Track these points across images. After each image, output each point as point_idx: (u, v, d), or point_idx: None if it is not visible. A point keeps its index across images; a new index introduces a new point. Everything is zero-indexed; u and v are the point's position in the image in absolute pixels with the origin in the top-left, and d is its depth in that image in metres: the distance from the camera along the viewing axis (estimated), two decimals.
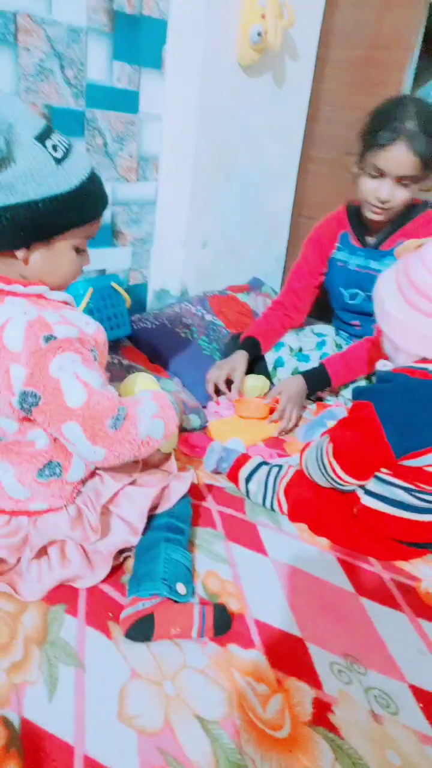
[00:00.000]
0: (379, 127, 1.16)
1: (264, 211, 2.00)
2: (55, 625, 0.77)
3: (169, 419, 0.80)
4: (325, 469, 0.92)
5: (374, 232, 1.36)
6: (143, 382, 1.08)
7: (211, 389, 1.39)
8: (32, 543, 0.80)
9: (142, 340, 1.54)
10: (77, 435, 0.72)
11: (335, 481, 0.92)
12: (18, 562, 0.82)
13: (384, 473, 0.90)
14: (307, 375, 1.38)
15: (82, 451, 0.75)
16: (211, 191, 1.75)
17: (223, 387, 1.38)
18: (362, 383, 1.37)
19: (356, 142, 1.25)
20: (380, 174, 1.19)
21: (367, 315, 1.39)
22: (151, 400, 0.80)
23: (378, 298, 0.88)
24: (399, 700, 0.74)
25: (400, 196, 1.21)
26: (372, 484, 0.93)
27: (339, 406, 1.41)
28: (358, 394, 0.92)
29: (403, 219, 1.30)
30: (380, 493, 0.92)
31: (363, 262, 1.37)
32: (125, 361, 1.42)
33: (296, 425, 1.37)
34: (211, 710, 0.69)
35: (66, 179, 0.69)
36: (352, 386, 1.40)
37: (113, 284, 1.45)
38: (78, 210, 0.72)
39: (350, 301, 1.43)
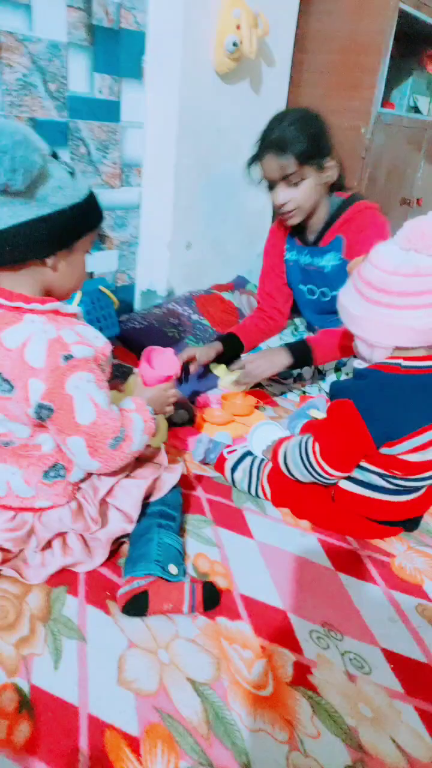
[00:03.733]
0: (257, 145, 1.28)
1: (245, 211, 2.07)
2: (57, 604, 0.84)
3: (150, 430, 0.89)
4: (312, 468, 0.97)
5: (311, 232, 1.41)
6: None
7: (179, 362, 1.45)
8: (39, 537, 0.87)
9: (131, 339, 1.61)
10: (80, 448, 0.81)
11: (322, 477, 0.97)
12: (20, 552, 0.89)
13: (362, 461, 0.97)
14: (290, 346, 1.39)
15: (80, 461, 0.84)
16: (193, 194, 1.82)
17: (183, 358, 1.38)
18: (333, 376, 1.45)
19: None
20: (271, 183, 1.29)
21: (330, 313, 1.44)
22: (138, 414, 0.88)
23: (343, 309, 0.95)
24: (372, 662, 0.82)
25: (295, 195, 1.28)
26: None
27: (320, 397, 1.49)
28: (337, 391, 0.98)
29: (334, 215, 1.35)
30: (356, 477, 0.99)
31: (308, 259, 1.43)
32: (115, 360, 1.49)
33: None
34: (202, 673, 0.77)
35: (80, 189, 0.77)
36: (329, 380, 1.48)
37: (101, 287, 1.51)
38: (91, 214, 0.81)
39: (310, 297, 1.49)
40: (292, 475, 1.03)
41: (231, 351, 1.49)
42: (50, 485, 0.88)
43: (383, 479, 0.97)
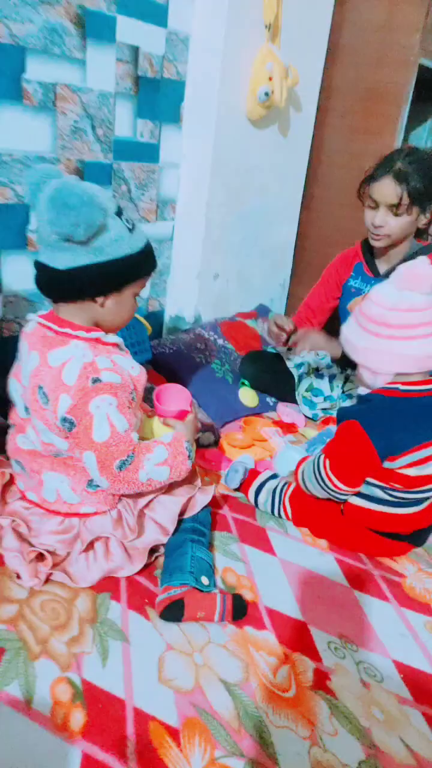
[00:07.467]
0: (376, 167, 1.41)
1: (270, 245, 2.19)
2: (102, 608, 0.94)
3: (177, 465, 0.97)
4: (323, 482, 1.08)
5: (387, 263, 1.55)
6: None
7: (273, 327, 1.64)
8: (82, 538, 0.98)
9: (162, 363, 1.72)
10: (92, 463, 0.91)
11: (333, 491, 1.07)
12: (68, 555, 0.99)
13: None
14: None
15: (93, 475, 0.94)
16: (222, 228, 1.94)
17: (281, 322, 1.62)
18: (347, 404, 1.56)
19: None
20: (375, 205, 1.41)
21: None
22: (165, 447, 0.96)
23: (347, 342, 1.07)
24: (384, 671, 0.91)
25: (393, 223, 1.41)
26: None
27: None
28: (343, 415, 1.08)
29: (412, 255, 1.47)
30: (360, 491, 1.09)
31: None
32: (148, 384, 1.60)
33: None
34: (232, 675, 0.86)
35: (135, 243, 0.90)
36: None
37: (136, 315, 1.63)
38: (142, 266, 0.93)
39: None
40: (309, 491, 1.13)
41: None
42: (93, 493, 0.99)
43: (384, 492, 1.06)
